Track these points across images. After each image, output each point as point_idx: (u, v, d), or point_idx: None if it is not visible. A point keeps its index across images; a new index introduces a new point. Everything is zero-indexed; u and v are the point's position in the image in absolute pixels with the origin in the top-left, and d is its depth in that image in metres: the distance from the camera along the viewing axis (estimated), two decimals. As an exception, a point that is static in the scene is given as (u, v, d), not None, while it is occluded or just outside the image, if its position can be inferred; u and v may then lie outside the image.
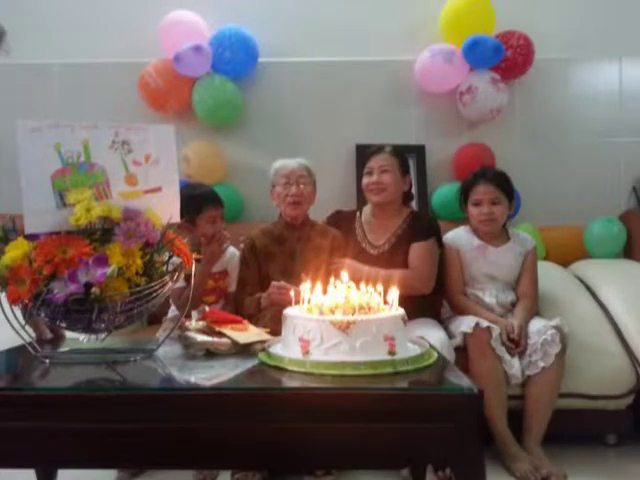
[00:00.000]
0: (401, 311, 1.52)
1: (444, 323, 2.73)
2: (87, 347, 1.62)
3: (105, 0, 3.51)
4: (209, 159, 3.39)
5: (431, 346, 1.63)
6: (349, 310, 1.47)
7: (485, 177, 2.77)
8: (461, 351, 2.48)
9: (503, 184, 2.77)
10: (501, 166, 3.38)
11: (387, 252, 2.69)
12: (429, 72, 3.43)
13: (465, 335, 2.49)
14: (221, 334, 1.60)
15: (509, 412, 2.44)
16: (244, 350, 1.59)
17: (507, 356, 2.46)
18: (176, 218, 1.60)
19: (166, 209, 1.58)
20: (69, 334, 1.65)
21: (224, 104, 3.36)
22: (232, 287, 2.68)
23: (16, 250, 1.45)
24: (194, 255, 1.62)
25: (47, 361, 1.53)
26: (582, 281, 3.09)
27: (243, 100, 3.46)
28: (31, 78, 3.52)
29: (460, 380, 1.35)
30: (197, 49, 3.21)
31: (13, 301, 1.44)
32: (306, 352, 1.44)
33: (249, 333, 1.64)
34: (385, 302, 1.55)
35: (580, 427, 2.58)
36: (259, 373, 1.46)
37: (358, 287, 1.59)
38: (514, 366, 2.45)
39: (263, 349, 1.57)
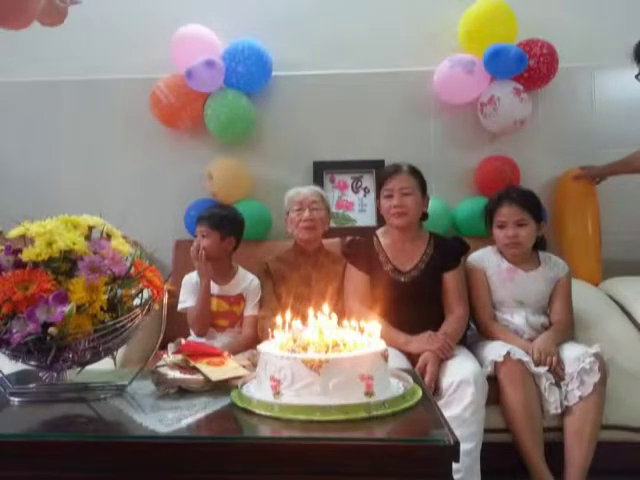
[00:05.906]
0: (381, 347, 1.42)
1: (471, 348, 2.61)
2: (59, 382, 1.55)
3: (116, 16, 3.44)
4: (232, 176, 3.33)
5: (415, 380, 1.51)
6: (322, 347, 1.37)
7: (509, 197, 2.62)
8: (492, 380, 2.35)
9: (529, 204, 2.61)
10: (525, 179, 3.28)
11: (417, 279, 2.61)
12: (448, 83, 3.31)
13: (496, 364, 2.36)
14: (195, 369, 1.53)
15: (549, 445, 2.29)
16: (218, 386, 1.51)
17: (545, 385, 2.32)
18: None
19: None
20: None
21: (236, 119, 3.27)
22: (248, 312, 2.72)
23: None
24: (167, 286, 1.54)
25: (16, 400, 1.48)
26: (614, 300, 2.93)
27: (256, 115, 3.37)
28: (42, 95, 3.47)
29: (437, 428, 1.23)
30: (209, 64, 3.13)
31: (-27, 341, 1.39)
32: (277, 393, 1.34)
33: (225, 368, 1.55)
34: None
35: (626, 462, 2.36)
36: (223, 418, 1.36)
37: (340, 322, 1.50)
38: (552, 396, 2.31)
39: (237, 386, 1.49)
